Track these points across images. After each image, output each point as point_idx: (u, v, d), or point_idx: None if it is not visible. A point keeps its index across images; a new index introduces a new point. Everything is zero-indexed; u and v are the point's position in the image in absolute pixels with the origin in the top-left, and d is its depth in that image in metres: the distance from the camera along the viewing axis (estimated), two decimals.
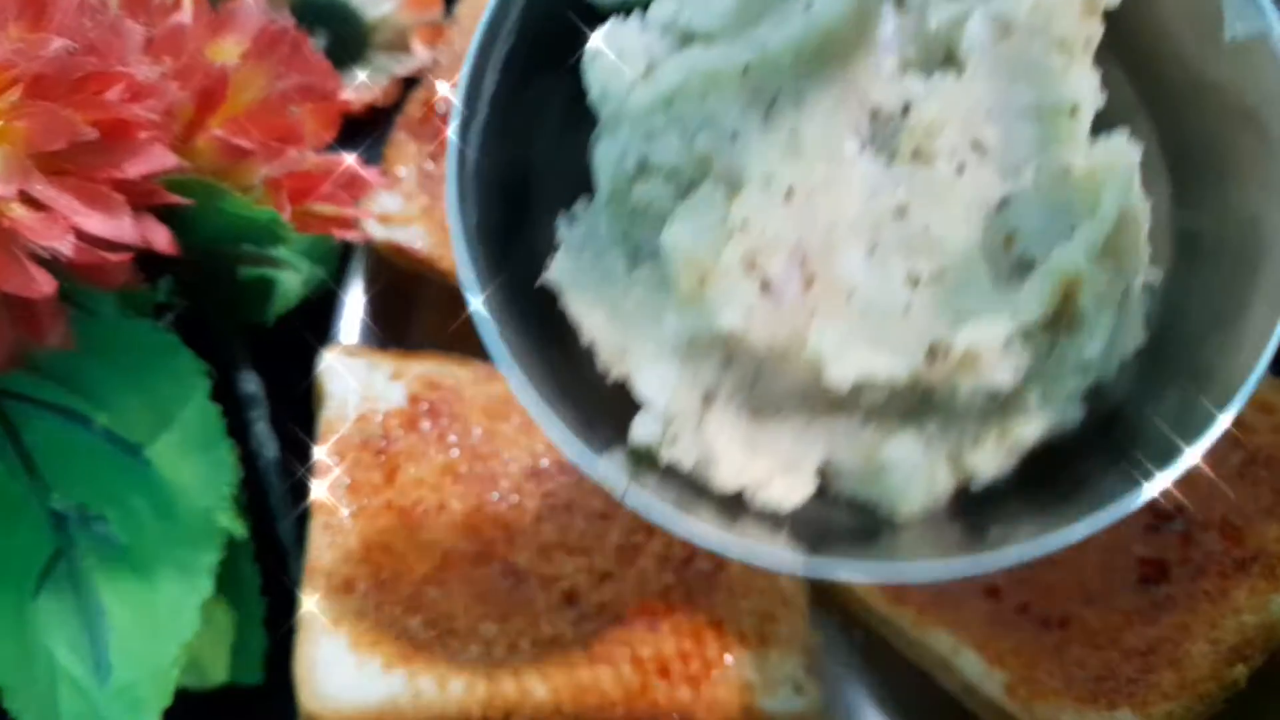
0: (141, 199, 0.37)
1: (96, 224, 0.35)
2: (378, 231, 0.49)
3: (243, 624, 0.41)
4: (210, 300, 0.46)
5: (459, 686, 0.38)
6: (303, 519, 0.42)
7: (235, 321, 0.47)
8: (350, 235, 0.45)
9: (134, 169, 0.36)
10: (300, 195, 0.42)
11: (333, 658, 0.38)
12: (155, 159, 0.36)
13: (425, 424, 0.44)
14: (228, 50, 0.40)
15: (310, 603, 0.39)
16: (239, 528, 0.39)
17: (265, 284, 0.48)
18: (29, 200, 0.34)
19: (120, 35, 0.36)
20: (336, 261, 0.51)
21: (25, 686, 0.35)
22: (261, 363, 0.46)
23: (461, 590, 0.40)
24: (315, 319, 0.50)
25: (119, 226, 0.35)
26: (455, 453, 0.43)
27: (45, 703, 0.35)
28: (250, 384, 0.45)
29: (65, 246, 0.34)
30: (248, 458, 0.44)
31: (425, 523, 0.41)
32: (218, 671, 0.40)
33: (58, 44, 0.34)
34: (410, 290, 0.52)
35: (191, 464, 0.39)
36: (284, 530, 0.44)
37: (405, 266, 0.50)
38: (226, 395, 0.43)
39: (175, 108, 0.38)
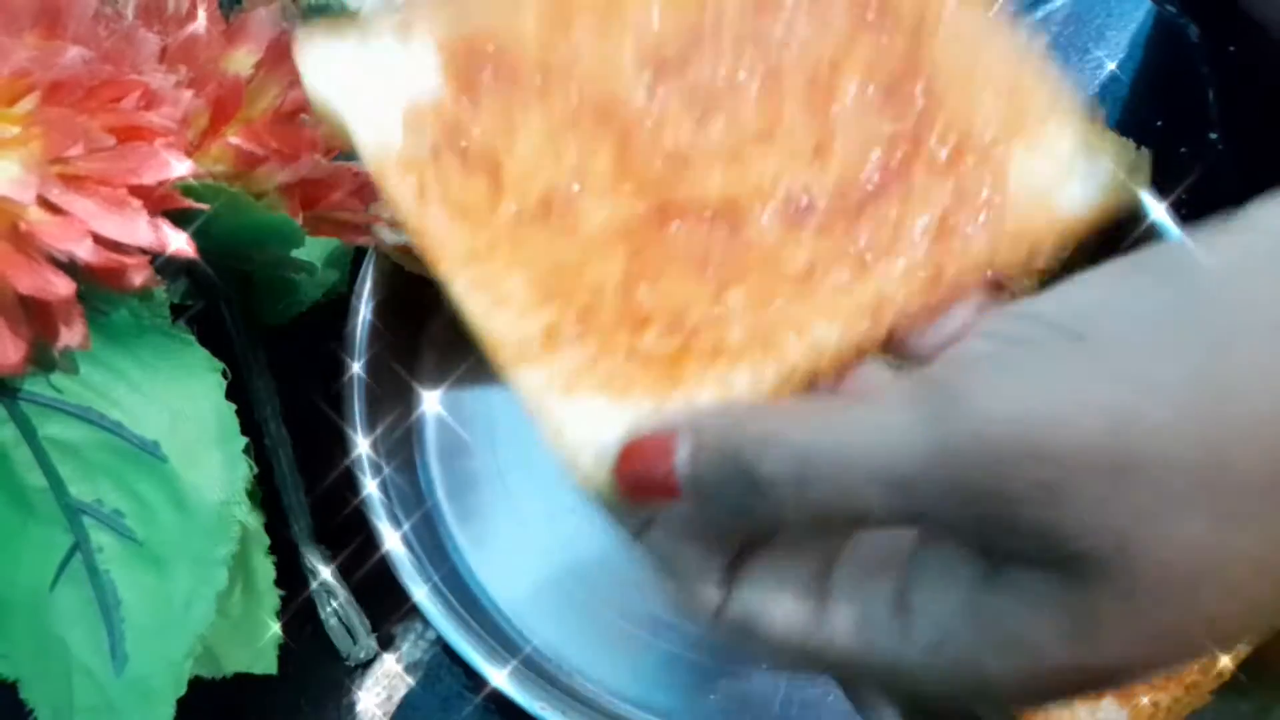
0: (158, 204, 0.36)
1: (114, 228, 0.34)
2: (388, 235, 0.49)
3: (256, 615, 0.39)
4: (225, 302, 0.45)
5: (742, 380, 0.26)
6: (317, 512, 0.42)
7: (250, 322, 0.46)
8: (361, 239, 0.44)
9: (150, 175, 0.35)
10: (313, 200, 0.42)
11: (585, 416, 0.26)
12: (171, 165, 0.35)
13: (489, 82, 0.29)
14: (241, 60, 0.39)
15: (527, 376, 0.27)
16: (254, 521, 0.38)
17: (279, 286, 0.47)
18: (47, 205, 0.33)
19: (135, 44, 0.35)
20: (348, 264, 0.50)
21: (41, 678, 0.34)
22: (276, 362, 0.46)
23: (670, 274, 0.27)
24: (328, 320, 0.49)
25: (136, 231, 0.34)
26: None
27: (60, 693, 0.34)
28: (264, 383, 0.45)
29: (83, 250, 0.33)
30: (262, 454, 0.43)
31: (576, 210, 0.28)
32: (231, 661, 0.38)
33: (74, 52, 0.33)
34: (419, 292, 0.51)
35: (207, 460, 0.38)
36: (297, 524, 0.43)
37: (415, 269, 0.49)
38: (241, 394, 0.43)
39: (190, 115, 0.37)
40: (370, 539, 0.45)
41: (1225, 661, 0.37)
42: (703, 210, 0.28)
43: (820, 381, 0.27)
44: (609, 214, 0.28)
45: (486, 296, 0.27)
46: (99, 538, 0.36)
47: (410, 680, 0.45)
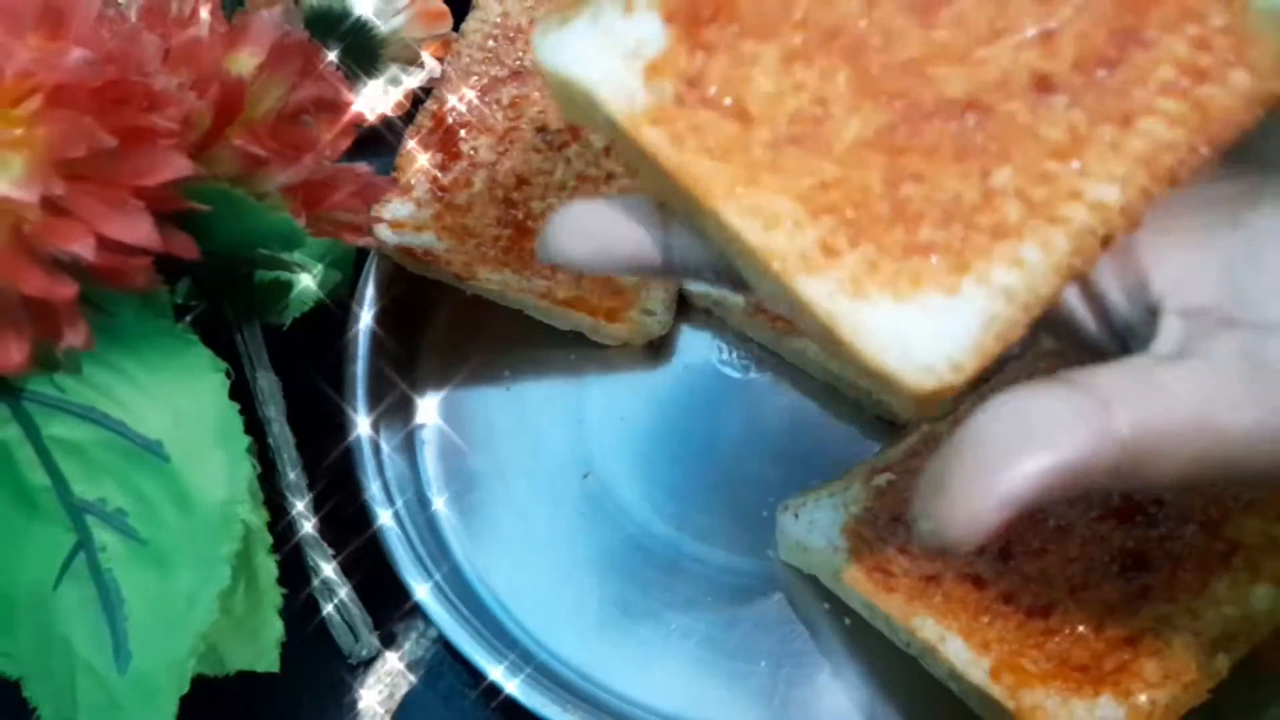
0: (161, 205, 0.35)
1: (117, 229, 0.34)
2: (389, 237, 0.49)
3: (259, 613, 0.39)
4: (228, 302, 0.45)
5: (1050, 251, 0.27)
6: (319, 510, 0.41)
7: (252, 322, 0.46)
8: (363, 240, 0.44)
9: (153, 176, 0.35)
10: (315, 202, 0.41)
11: (880, 316, 0.27)
12: (174, 166, 0.35)
13: (715, 34, 0.30)
14: (244, 62, 0.39)
15: (812, 286, 0.27)
16: (256, 520, 0.38)
17: (281, 286, 0.47)
18: (50, 206, 0.33)
19: (139, 46, 0.35)
20: (350, 265, 0.50)
21: (44, 676, 0.34)
22: (278, 362, 0.45)
23: (932, 169, 0.28)
24: (330, 320, 0.49)
25: (139, 231, 0.34)
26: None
27: (64, 692, 0.34)
28: (267, 382, 0.44)
29: (87, 251, 0.33)
30: (265, 453, 0.43)
31: (827, 131, 0.28)
32: (234, 659, 0.38)
33: (77, 54, 0.33)
34: (420, 292, 0.51)
35: (210, 459, 0.38)
36: (299, 522, 0.43)
37: (416, 270, 0.50)
38: (244, 394, 0.43)
39: (193, 117, 0.37)
40: (372, 537, 0.45)
41: (1222, 660, 0.37)
42: (951, 107, 0.28)
43: (1117, 238, 0.27)
44: (859, 127, 0.28)
45: (758, 221, 0.27)
46: (102, 537, 0.36)
47: (412, 678, 0.45)
